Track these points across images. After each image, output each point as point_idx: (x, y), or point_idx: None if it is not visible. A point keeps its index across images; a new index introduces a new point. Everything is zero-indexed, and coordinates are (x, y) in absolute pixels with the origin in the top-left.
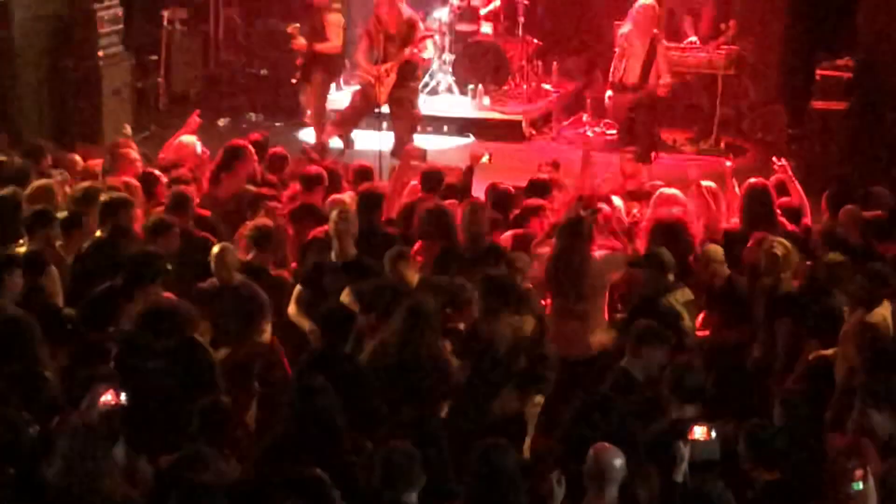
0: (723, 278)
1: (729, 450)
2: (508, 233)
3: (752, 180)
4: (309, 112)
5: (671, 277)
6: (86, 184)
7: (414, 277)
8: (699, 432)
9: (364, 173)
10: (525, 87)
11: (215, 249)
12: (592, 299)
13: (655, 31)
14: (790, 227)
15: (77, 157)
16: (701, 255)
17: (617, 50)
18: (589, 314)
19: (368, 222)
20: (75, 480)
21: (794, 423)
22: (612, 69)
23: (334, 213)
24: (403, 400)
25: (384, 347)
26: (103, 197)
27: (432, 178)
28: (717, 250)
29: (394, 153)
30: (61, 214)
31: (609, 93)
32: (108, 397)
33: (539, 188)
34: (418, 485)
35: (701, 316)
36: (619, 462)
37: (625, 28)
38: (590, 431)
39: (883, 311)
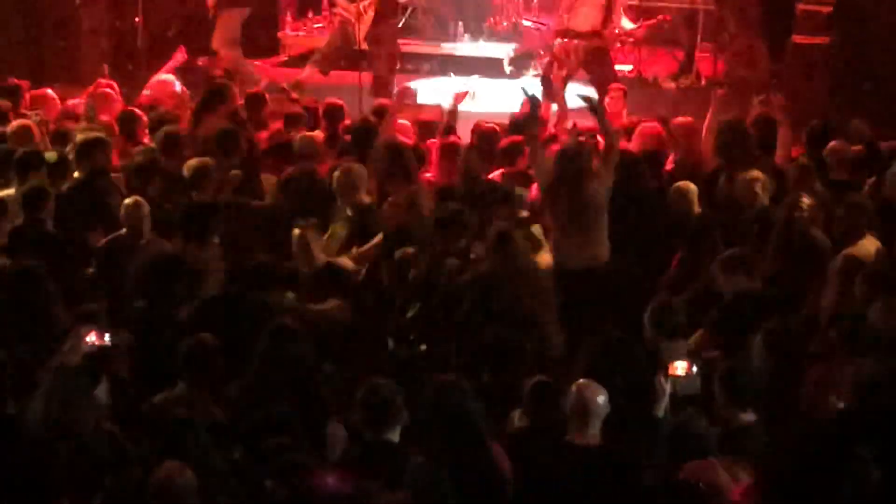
0: (696, 215)
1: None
2: (497, 171)
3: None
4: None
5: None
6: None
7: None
8: (680, 367)
9: (333, 112)
10: (505, 23)
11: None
12: (595, 220)
13: None
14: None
15: (54, 96)
16: (673, 191)
17: None
18: (591, 230)
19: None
20: (54, 419)
21: (774, 361)
22: (559, 17)
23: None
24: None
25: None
26: (79, 137)
27: (428, 128)
28: (691, 186)
29: (374, 92)
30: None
31: (559, 40)
32: (92, 338)
33: (524, 123)
34: (400, 422)
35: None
36: (601, 398)
37: None
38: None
39: (867, 245)
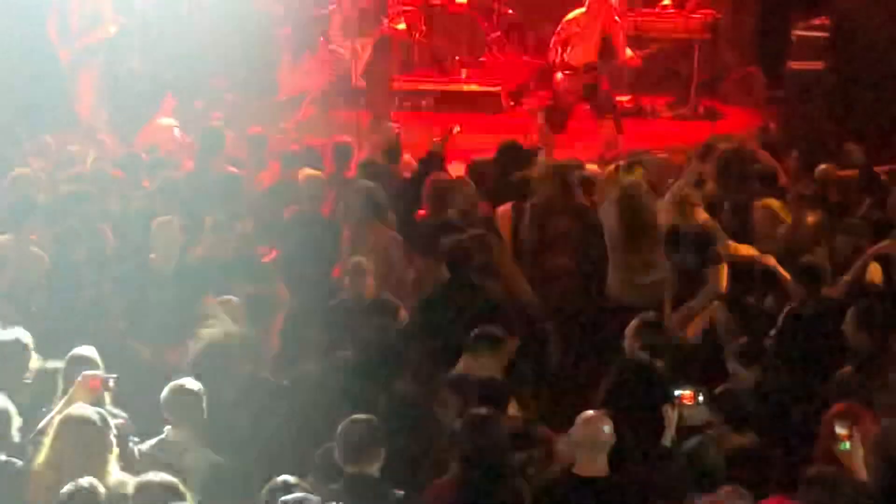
0: None
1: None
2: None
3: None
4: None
5: None
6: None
7: None
8: (686, 396)
9: (343, 150)
10: (502, 58)
11: None
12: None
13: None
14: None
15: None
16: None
17: (560, 33)
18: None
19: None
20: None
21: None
22: (550, 52)
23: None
24: None
25: None
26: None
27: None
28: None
29: (372, 129)
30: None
31: (559, 74)
32: (96, 383)
33: (514, 150)
34: (379, 457)
35: None
36: (607, 428)
37: (575, 12)
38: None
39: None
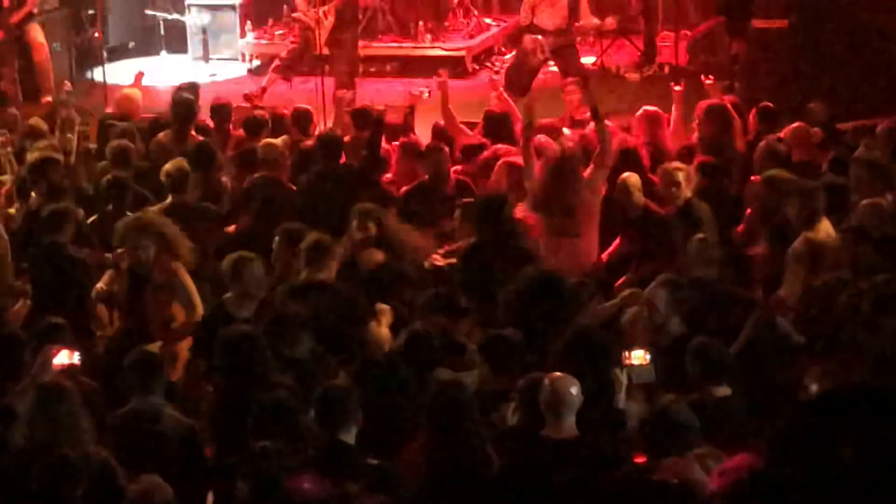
0: (638, 207)
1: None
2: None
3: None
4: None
5: None
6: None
7: None
8: (636, 357)
9: (302, 117)
10: (466, 21)
11: None
12: (587, 221)
13: None
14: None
15: (17, 114)
16: (619, 183)
17: None
18: (582, 235)
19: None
20: (37, 439)
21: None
22: (521, 13)
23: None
24: None
25: None
26: (31, 157)
27: (363, 116)
28: (634, 178)
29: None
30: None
31: (527, 36)
32: (62, 358)
33: (496, 120)
34: (355, 423)
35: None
36: (574, 389)
37: None
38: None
39: (825, 228)
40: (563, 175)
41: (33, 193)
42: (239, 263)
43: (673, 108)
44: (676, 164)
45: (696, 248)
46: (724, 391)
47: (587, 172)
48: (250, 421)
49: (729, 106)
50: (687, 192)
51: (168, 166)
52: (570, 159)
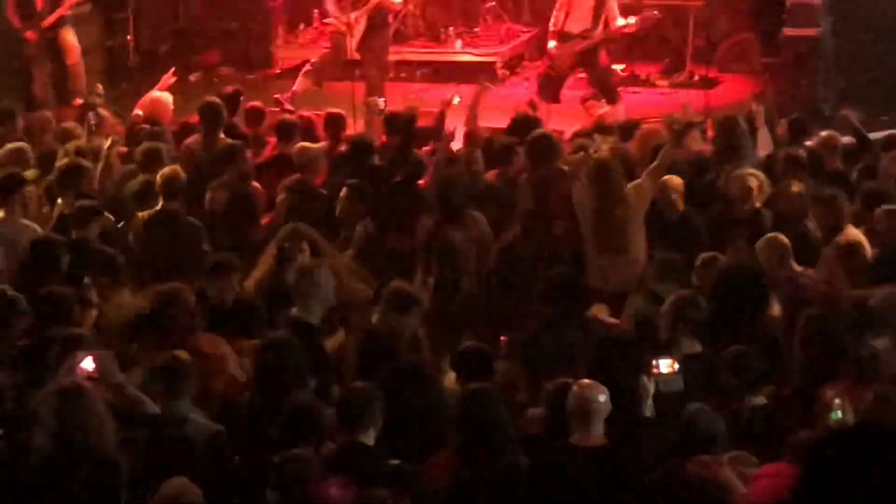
0: (677, 211)
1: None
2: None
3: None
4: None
5: None
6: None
7: None
8: (664, 365)
9: (335, 122)
10: (497, 28)
11: None
12: (634, 233)
13: None
14: None
15: (50, 118)
16: (660, 184)
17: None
18: (629, 249)
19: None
20: (66, 442)
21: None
22: (552, 19)
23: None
24: None
25: None
26: (59, 163)
27: (394, 121)
28: (676, 181)
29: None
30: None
31: (553, 43)
32: (87, 364)
33: (524, 123)
34: (375, 425)
35: None
36: (602, 398)
37: None
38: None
39: (849, 234)
40: (603, 187)
41: (59, 200)
42: (308, 270)
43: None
44: (751, 170)
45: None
46: (759, 400)
47: (638, 182)
48: (278, 426)
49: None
50: (758, 201)
51: (165, 171)
52: (608, 169)
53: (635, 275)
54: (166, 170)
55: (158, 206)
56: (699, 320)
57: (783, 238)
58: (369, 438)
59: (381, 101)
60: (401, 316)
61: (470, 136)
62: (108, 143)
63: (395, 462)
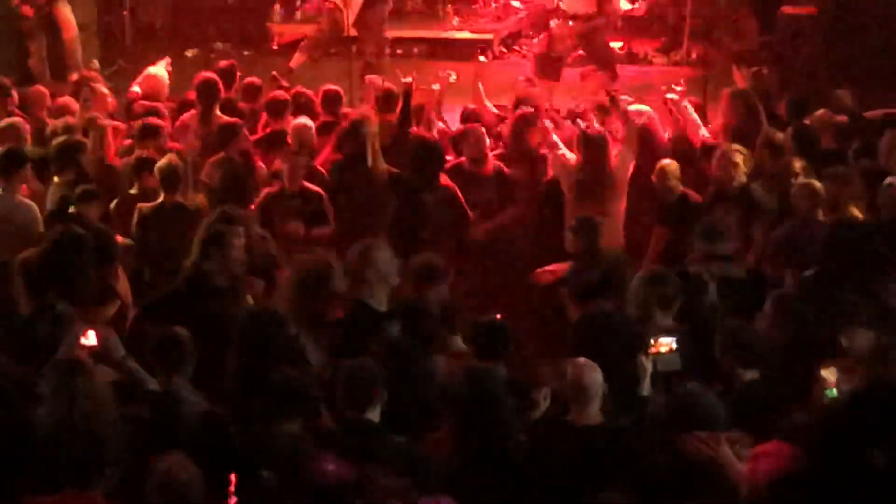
0: (675, 194)
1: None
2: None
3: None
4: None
5: None
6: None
7: None
8: (662, 344)
9: (332, 98)
10: (494, 4)
11: None
12: (615, 202)
13: None
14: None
15: (45, 93)
16: (657, 170)
17: None
18: (611, 215)
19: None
20: (64, 418)
21: (783, 321)
22: None
23: None
24: None
25: None
26: (55, 142)
27: (389, 100)
28: (673, 166)
29: (363, 77)
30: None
31: (554, 21)
32: (90, 338)
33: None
34: (380, 402)
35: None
36: (598, 377)
37: None
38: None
39: (854, 214)
40: (591, 157)
41: (56, 178)
42: (369, 250)
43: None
44: (736, 146)
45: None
46: (752, 375)
47: (614, 154)
48: (264, 401)
49: (752, 93)
50: (743, 176)
51: (162, 163)
52: (596, 142)
53: (613, 237)
54: (162, 162)
55: (160, 200)
56: (670, 296)
57: (817, 183)
58: (374, 415)
59: (379, 80)
60: (428, 287)
61: (472, 116)
62: (103, 118)
63: (400, 439)
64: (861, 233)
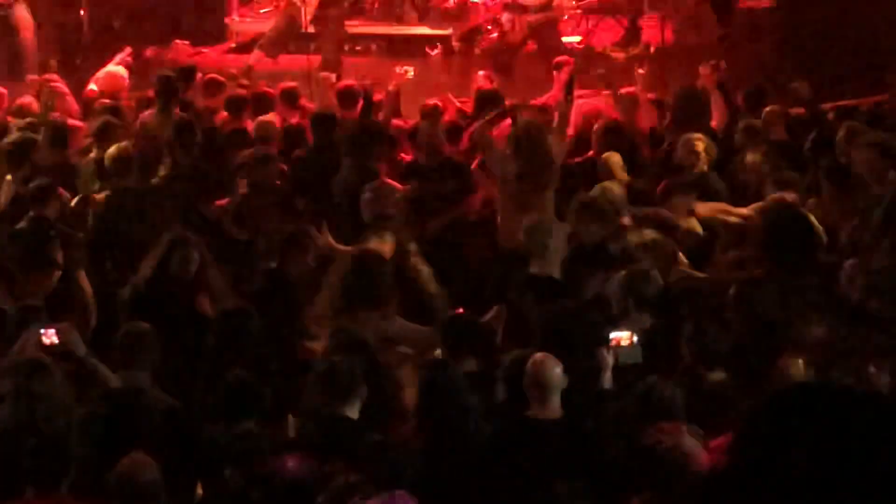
0: (623, 184)
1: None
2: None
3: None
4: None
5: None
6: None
7: None
8: (622, 338)
9: (290, 95)
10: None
11: None
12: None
13: None
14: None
15: (3, 92)
16: (601, 163)
17: None
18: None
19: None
20: (20, 417)
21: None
22: None
23: None
24: None
25: None
26: (6, 140)
27: (349, 96)
28: (616, 157)
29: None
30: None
31: (506, 15)
32: (50, 336)
33: (489, 98)
34: (359, 397)
35: None
36: (558, 370)
37: None
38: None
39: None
40: (529, 149)
41: (8, 176)
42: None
43: (638, 89)
44: (697, 134)
45: None
46: (718, 376)
47: (549, 146)
48: (220, 403)
49: (705, 88)
50: (704, 165)
51: (112, 150)
52: (535, 133)
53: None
54: (112, 150)
55: (111, 186)
56: (648, 295)
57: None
58: (353, 411)
59: (333, 76)
60: None
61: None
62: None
63: (375, 436)
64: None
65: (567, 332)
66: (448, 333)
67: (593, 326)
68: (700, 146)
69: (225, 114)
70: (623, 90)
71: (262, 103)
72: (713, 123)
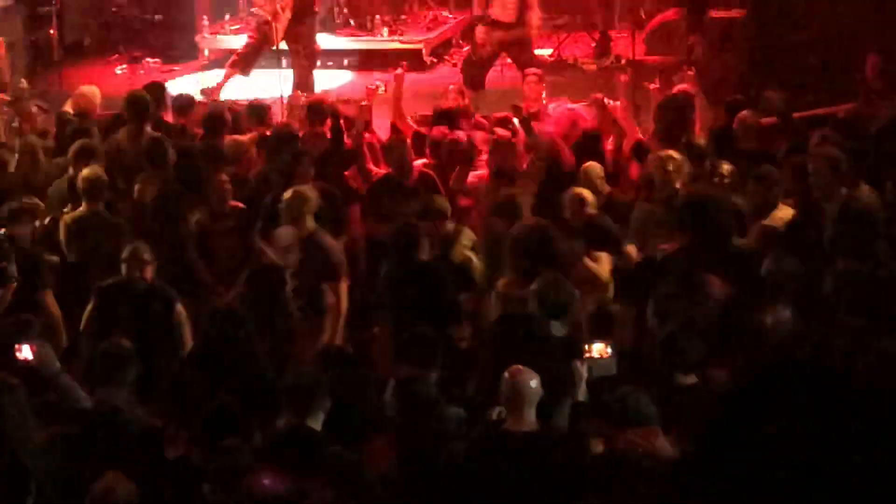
0: (602, 195)
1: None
2: (419, 161)
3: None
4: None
5: None
6: None
7: None
8: (596, 350)
9: (258, 111)
10: (423, 15)
11: None
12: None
13: None
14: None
15: None
16: (581, 172)
17: None
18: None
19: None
20: None
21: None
22: (476, 4)
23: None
24: None
25: None
26: None
27: (318, 112)
28: (596, 167)
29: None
30: None
31: (480, 28)
32: (25, 352)
33: (447, 116)
34: (322, 409)
35: None
36: (534, 383)
37: None
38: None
39: (781, 214)
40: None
41: None
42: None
43: (620, 98)
44: (670, 151)
45: None
46: (690, 380)
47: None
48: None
49: (687, 97)
50: (677, 182)
51: (85, 172)
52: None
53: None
54: (86, 171)
55: (83, 208)
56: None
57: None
58: (317, 423)
59: (303, 97)
60: None
61: (395, 127)
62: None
63: (338, 449)
64: None
65: (541, 345)
66: (414, 346)
67: (567, 338)
68: (671, 166)
69: (198, 133)
70: (594, 97)
71: (233, 120)
72: (697, 130)
